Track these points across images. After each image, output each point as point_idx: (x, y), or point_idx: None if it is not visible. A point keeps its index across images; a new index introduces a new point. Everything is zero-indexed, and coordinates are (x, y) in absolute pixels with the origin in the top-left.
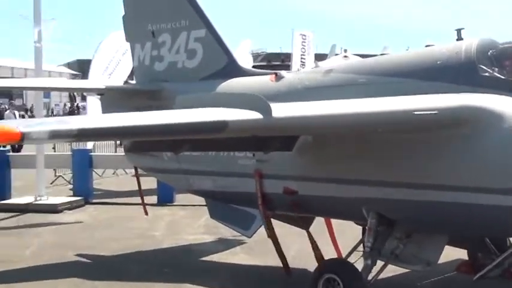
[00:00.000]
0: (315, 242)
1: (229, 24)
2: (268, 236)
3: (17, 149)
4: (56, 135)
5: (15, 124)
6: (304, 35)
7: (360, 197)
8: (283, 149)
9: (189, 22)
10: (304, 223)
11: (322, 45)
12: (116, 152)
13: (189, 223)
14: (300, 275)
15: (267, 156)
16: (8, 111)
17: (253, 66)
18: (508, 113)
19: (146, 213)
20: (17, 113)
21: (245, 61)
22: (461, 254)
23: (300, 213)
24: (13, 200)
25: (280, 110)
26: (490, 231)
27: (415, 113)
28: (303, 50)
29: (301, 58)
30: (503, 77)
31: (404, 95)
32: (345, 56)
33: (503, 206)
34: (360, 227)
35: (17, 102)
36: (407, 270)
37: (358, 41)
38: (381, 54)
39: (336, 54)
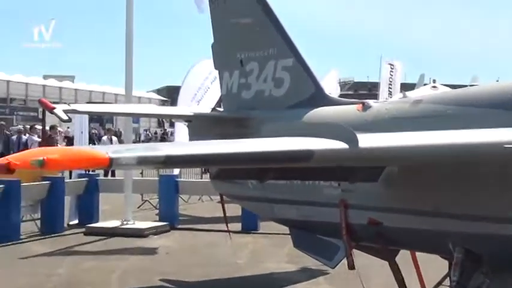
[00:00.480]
0: (401, 274)
1: (317, 51)
2: (349, 268)
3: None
4: (143, 162)
5: (105, 149)
6: (392, 64)
7: (446, 231)
8: (368, 179)
9: (277, 51)
10: (389, 255)
11: (410, 75)
12: (201, 178)
13: (272, 251)
14: None
15: (353, 186)
16: (105, 136)
17: (341, 95)
18: None
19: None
20: (114, 138)
21: (332, 90)
22: None
23: (384, 245)
24: (100, 224)
25: (367, 140)
26: None
27: (506, 146)
28: (391, 80)
29: (389, 87)
30: None
31: (495, 127)
32: (434, 87)
33: None
34: (444, 260)
35: (107, 126)
36: None
37: (447, 71)
38: (470, 85)
39: (425, 84)
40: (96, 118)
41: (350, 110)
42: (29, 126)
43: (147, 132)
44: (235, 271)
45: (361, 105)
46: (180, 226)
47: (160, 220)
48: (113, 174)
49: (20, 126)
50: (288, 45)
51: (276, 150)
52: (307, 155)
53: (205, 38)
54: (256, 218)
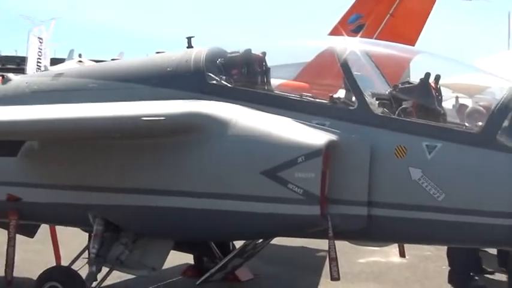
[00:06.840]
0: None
1: None
2: None
3: None
4: None
5: None
6: (41, 38)
7: (85, 203)
8: (7, 154)
9: None
10: (28, 231)
11: (62, 50)
12: None
13: None
14: (21, 284)
15: None
16: None
17: None
18: (232, 120)
19: None
20: None
21: None
22: (189, 258)
23: (24, 221)
24: None
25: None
26: (211, 235)
27: (143, 118)
28: (40, 54)
29: (38, 62)
30: (230, 85)
31: (135, 100)
32: (80, 61)
33: (222, 210)
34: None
35: None
36: (133, 276)
37: (97, 47)
38: (112, 59)
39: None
40: None
41: None
42: None
43: None
44: None
45: (0, 78)
46: None
47: None
48: None
49: None
50: None
51: None
52: None
53: None
54: None
